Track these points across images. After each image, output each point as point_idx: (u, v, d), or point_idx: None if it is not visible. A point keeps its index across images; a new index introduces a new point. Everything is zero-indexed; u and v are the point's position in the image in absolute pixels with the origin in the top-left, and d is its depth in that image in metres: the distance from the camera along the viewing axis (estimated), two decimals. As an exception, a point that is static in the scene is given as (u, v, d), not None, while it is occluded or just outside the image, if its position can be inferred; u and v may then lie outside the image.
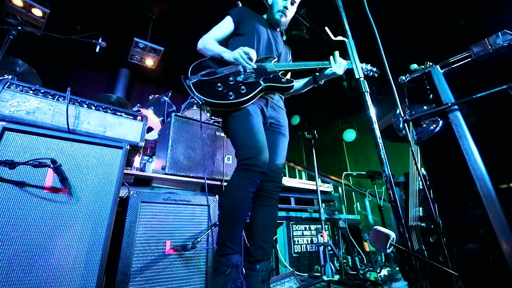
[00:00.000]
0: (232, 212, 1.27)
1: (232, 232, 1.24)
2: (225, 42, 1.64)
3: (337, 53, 1.60)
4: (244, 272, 1.32)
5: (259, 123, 1.41)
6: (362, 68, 1.58)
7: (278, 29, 1.81)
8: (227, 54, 1.47)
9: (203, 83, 1.38)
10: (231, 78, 1.42)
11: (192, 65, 1.45)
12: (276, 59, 1.60)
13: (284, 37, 1.89)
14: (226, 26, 1.65)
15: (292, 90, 1.64)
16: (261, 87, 1.42)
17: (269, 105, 1.53)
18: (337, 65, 1.58)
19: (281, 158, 1.52)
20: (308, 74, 1.73)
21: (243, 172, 1.27)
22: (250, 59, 1.43)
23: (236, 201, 1.27)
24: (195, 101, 3.15)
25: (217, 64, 1.49)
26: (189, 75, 1.39)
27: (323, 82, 1.69)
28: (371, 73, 1.76)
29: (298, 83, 1.75)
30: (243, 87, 1.40)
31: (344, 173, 3.31)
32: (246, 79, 1.43)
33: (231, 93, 1.36)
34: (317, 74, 1.69)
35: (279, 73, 1.52)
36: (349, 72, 1.43)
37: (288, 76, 1.65)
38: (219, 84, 1.39)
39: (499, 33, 1.15)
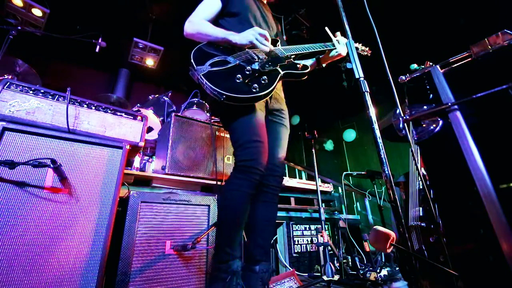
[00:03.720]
0: (230, 216, 1.21)
1: (231, 237, 1.18)
2: (213, 23, 1.45)
3: (338, 33, 1.58)
4: (242, 273, 1.30)
5: (262, 119, 1.33)
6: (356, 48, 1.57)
7: (266, 2, 1.75)
8: (237, 37, 1.31)
9: (216, 74, 1.20)
10: (247, 68, 1.27)
11: (192, 53, 1.26)
12: (279, 41, 1.52)
13: (284, 37, 1.87)
14: (213, 4, 1.47)
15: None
16: (280, 75, 1.33)
17: (273, 96, 1.47)
18: (341, 45, 1.56)
19: (283, 151, 1.47)
20: (310, 57, 1.67)
21: (242, 174, 1.21)
22: (266, 40, 1.32)
23: (234, 204, 1.20)
24: (195, 101, 3.15)
25: (219, 50, 1.32)
26: (195, 66, 1.20)
27: (325, 65, 1.65)
28: (363, 52, 1.76)
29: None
30: (264, 77, 1.27)
31: (344, 173, 3.31)
32: (263, 67, 1.29)
33: (255, 85, 1.21)
34: (320, 56, 1.65)
35: (292, 58, 1.45)
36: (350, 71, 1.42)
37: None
38: (238, 75, 1.22)
39: (499, 33, 1.15)
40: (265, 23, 1.58)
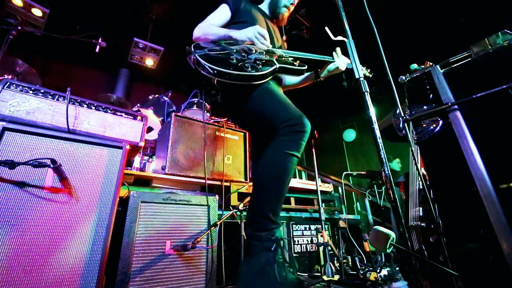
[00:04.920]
0: (277, 179, 1.12)
1: (276, 203, 1.11)
2: None
3: (338, 49, 1.59)
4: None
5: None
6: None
7: (275, 21, 1.79)
8: (237, 34, 1.37)
9: (212, 55, 1.26)
10: (243, 54, 1.32)
11: (193, 44, 1.34)
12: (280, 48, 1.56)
13: (284, 37, 1.87)
14: (223, 14, 1.56)
15: (302, 76, 1.59)
16: (275, 66, 1.34)
17: None
18: (341, 60, 1.57)
19: None
20: (309, 69, 1.71)
21: (288, 135, 1.14)
22: (265, 40, 1.36)
23: (281, 167, 1.12)
24: (195, 101, 3.15)
25: (219, 45, 1.38)
26: (192, 50, 1.27)
27: (323, 78, 1.66)
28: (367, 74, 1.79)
29: (299, 77, 1.73)
30: (258, 62, 1.31)
31: (344, 173, 3.31)
32: (259, 57, 1.34)
33: (247, 64, 1.26)
34: (318, 69, 1.66)
35: (289, 59, 1.49)
36: (350, 71, 1.42)
37: None
38: (232, 57, 1.27)
39: (499, 33, 1.15)
40: (270, 35, 1.60)
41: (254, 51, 1.36)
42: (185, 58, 1.32)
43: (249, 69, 1.24)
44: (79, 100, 1.37)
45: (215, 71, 1.18)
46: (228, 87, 1.26)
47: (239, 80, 1.23)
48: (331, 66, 1.59)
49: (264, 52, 1.39)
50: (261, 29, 1.35)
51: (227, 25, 1.57)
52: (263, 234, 1.05)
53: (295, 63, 1.46)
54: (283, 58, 1.44)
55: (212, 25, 1.48)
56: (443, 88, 1.23)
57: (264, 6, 1.78)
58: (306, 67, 1.49)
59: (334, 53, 1.59)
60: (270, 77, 1.34)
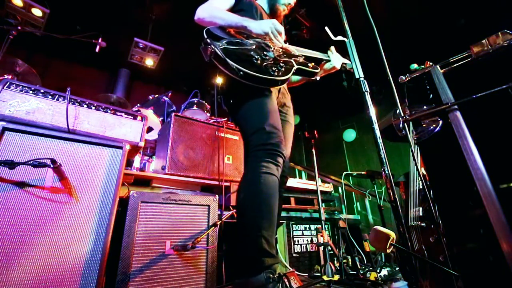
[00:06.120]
0: (265, 204, 1.00)
1: (268, 230, 0.96)
2: None
3: (333, 47, 1.58)
4: None
5: (277, 110, 1.29)
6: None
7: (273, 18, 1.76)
8: (253, 24, 1.26)
9: (233, 51, 1.15)
10: (264, 53, 1.24)
11: (204, 31, 1.21)
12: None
13: (284, 37, 1.86)
14: (226, 0, 1.47)
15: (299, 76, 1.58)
16: (294, 68, 1.29)
17: (280, 90, 1.45)
18: (336, 58, 1.57)
19: (288, 149, 1.45)
20: None
21: (268, 157, 1.07)
22: (280, 36, 1.29)
23: (268, 189, 1.02)
24: (195, 101, 3.15)
25: (229, 35, 1.28)
26: (209, 40, 1.15)
27: (319, 78, 1.61)
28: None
29: (295, 76, 1.70)
30: (281, 64, 1.24)
31: (344, 173, 3.31)
32: (279, 56, 1.27)
33: (274, 68, 1.18)
34: None
35: (301, 58, 1.44)
36: (349, 72, 1.41)
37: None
38: (256, 57, 1.18)
39: (499, 33, 1.15)
40: None
41: (272, 49, 1.29)
42: (185, 58, 1.31)
43: (275, 73, 1.17)
44: (79, 100, 1.37)
45: (242, 72, 1.08)
46: (237, 84, 1.16)
47: (262, 84, 1.15)
48: (327, 65, 1.58)
49: (280, 50, 1.34)
50: (278, 24, 1.27)
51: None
52: (262, 275, 0.87)
53: (309, 64, 1.44)
54: (298, 58, 1.41)
55: (219, 9, 1.37)
56: (443, 88, 1.23)
57: (263, 2, 1.72)
58: (319, 70, 1.48)
59: (329, 51, 1.58)
60: None
